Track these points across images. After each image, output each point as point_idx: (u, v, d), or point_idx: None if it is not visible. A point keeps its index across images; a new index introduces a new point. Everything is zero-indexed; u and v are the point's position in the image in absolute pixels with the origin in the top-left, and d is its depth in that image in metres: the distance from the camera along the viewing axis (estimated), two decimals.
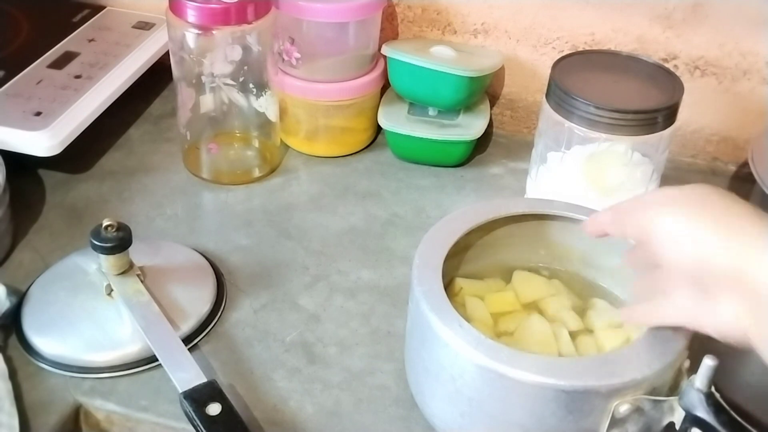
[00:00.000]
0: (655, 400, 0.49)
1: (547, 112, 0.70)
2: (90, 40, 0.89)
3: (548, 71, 0.70)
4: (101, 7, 0.95)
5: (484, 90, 0.87)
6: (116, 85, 0.82)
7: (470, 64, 0.82)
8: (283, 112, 0.85)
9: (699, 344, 0.50)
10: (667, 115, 0.67)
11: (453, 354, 0.51)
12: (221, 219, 0.78)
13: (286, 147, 0.88)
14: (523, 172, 0.79)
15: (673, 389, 0.51)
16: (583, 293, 0.63)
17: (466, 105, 0.85)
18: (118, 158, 0.85)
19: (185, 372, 0.58)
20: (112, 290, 0.64)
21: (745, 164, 0.80)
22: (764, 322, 0.44)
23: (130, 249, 0.63)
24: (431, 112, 0.85)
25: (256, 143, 0.85)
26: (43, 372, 0.61)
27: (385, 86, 0.87)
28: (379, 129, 0.88)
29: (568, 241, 0.63)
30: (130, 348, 0.62)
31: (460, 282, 0.62)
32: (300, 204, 0.80)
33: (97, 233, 0.62)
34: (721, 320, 0.46)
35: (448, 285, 0.60)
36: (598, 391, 0.48)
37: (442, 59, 0.81)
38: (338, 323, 0.67)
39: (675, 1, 0.81)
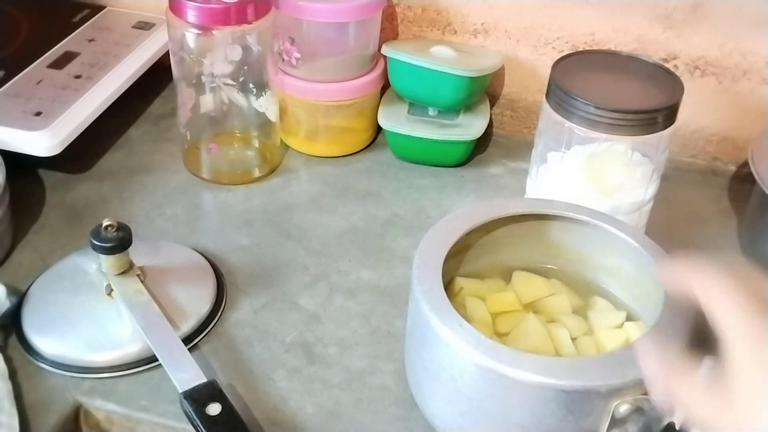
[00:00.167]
0: None
1: (547, 112, 0.70)
2: (90, 40, 0.89)
3: (548, 71, 0.70)
4: (101, 7, 0.95)
5: (484, 90, 0.87)
6: (116, 85, 0.82)
7: (470, 64, 0.82)
8: (283, 112, 0.85)
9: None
10: (667, 115, 0.67)
11: (453, 354, 0.51)
12: (221, 219, 0.78)
13: (286, 147, 0.88)
14: (523, 172, 0.79)
15: None
16: (583, 293, 0.63)
17: (466, 105, 0.85)
18: (118, 158, 0.85)
19: (185, 372, 0.58)
20: (112, 290, 0.64)
21: (745, 164, 0.80)
22: None
23: (130, 249, 0.63)
24: (431, 112, 0.85)
25: (256, 143, 0.85)
26: (43, 372, 0.61)
27: (385, 86, 0.87)
28: (379, 129, 0.88)
29: (568, 241, 0.63)
30: (130, 348, 0.62)
31: (460, 282, 0.62)
32: (300, 204, 0.80)
33: (97, 233, 0.62)
34: None
35: (448, 285, 0.60)
36: (598, 391, 0.48)
37: (442, 59, 0.81)
38: (338, 323, 0.67)
39: (675, 1, 0.81)
